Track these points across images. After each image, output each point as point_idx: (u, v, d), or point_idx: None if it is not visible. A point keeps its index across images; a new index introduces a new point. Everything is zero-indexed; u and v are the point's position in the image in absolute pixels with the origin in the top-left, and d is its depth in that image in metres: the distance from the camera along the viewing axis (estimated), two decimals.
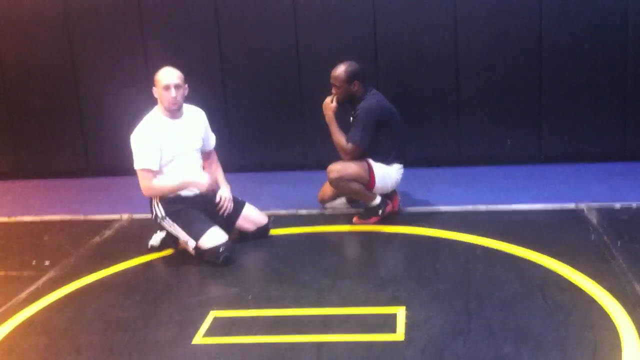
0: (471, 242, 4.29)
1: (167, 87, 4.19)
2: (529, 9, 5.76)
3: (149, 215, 4.41)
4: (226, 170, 4.69)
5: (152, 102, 4.35)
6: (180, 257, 4.34)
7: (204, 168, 4.52)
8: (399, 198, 4.98)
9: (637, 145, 5.91)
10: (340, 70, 4.62)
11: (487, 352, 2.99)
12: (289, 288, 3.78)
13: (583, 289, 3.55)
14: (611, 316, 3.24)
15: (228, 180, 4.60)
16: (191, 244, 4.17)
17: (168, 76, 4.21)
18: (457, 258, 4.09)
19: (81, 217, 5.27)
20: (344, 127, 4.72)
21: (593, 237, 4.26)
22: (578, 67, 5.82)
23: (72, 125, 6.41)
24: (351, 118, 4.72)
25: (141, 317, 3.54)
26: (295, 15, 5.98)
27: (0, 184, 6.44)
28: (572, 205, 4.83)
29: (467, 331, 3.18)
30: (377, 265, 4.24)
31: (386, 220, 4.74)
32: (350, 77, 4.61)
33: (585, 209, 4.75)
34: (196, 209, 4.29)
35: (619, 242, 4.11)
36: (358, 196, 4.78)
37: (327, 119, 4.72)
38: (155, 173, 4.23)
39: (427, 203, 5.12)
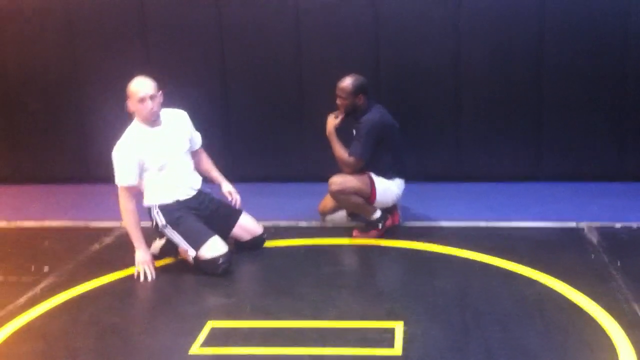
0: (470, 258, 4.29)
1: (142, 100, 4.12)
2: (530, 26, 5.76)
3: (148, 223, 4.41)
4: (227, 180, 4.70)
5: None
6: (179, 267, 4.34)
7: (196, 168, 4.54)
8: (400, 213, 4.99)
9: (637, 165, 5.91)
10: (347, 82, 4.64)
11: None
12: (287, 300, 3.78)
13: (581, 307, 3.54)
14: (609, 335, 3.24)
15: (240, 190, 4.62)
16: (191, 253, 4.17)
17: (142, 88, 4.13)
18: (455, 274, 4.09)
19: (81, 223, 5.27)
20: (346, 139, 4.74)
21: (593, 256, 4.26)
22: (578, 86, 5.82)
23: (72, 131, 6.42)
24: (353, 131, 4.74)
25: (138, 325, 3.54)
26: (298, 29, 6.00)
27: (0, 188, 6.43)
28: (572, 224, 4.83)
29: (464, 348, 3.18)
30: (376, 279, 4.24)
31: (386, 234, 4.74)
32: (356, 90, 4.63)
33: (585, 228, 4.75)
34: (195, 216, 4.30)
35: (618, 262, 4.11)
36: (358, 209, 4.78)
37: (327, 132, 4.74)
38: (134, 188, 4.23)
39: (426, 218, 5.12)
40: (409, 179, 4.94)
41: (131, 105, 4.20)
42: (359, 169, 4.68)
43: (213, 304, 3.78)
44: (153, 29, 6.14)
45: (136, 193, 4.29)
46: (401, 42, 5.94)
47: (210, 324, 3.47)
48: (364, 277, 4.28)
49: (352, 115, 4.72)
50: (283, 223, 5.08)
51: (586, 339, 3.23)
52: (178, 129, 4.39)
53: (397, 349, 3.17)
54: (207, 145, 4.72)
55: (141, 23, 6.13)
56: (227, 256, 4.18)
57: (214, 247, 4.15)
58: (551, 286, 3.81)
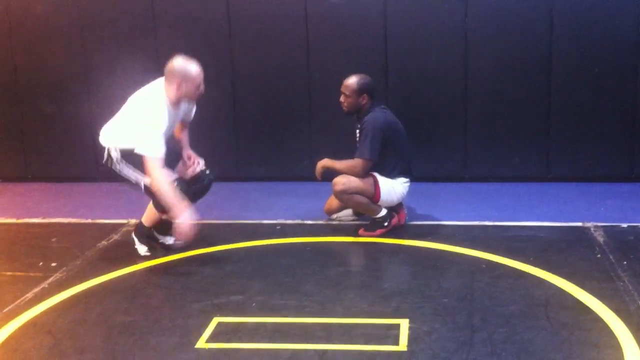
0: (476, 256, 4.29)
1: (199, 86, 4.29)
2: (539, 29, 5.78)
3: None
4: (234, 180, 4.71)
5: None
6: (186, 264, 4.36)
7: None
8: (406, 212, 4.99)
9: None
10: (353, 80, 4.68)
11: None
12: (293, 297, 3.79)
13: (587, 307, 3.54)
14: (615, 335, 3.23)
15: (236, 190, 4.62)
16: (146, 181, 4.22)
17: (201, 75, 4.28)
18: (461, 272, 4.09)
19: (88, 220, 5.30)
20: (350, 140, 4.76)
21: (599, 256, 4.26)
22: (587, 88, 5.83)
23: (82, 130, 6.45)
24: (357, 132, 4.76)
25: (145, 321, 3.55)
26: (307, 32, 6.03)
27: (10, 186, 6.49)
28: (578, 224, 4.83)
29: (469, 345, 3.18)
30: (382, 277, 4.25)
31: (391, 233, 4.75)
32: (361, 89, 4.66)
33: (591, 227, 4.74)
34: None
35: (624, 262, 4.11)
36: (363, 209, 4.79)
37: (321, 166, 4.81)
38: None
39: (432, 218, 5.13)
40: (416, 178, 4.96)
41: (183, 87, 4.23)
42: (369, 170, 4.69)
43: (219, 301, 3.79)
44: (163, 26, 6.18)
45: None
46: (410, 46, 5.97)
47: (217, 320, 3.49)
48: (370, 275, 4.29)
49: (355, 115, 4.74)
50: (289, 221, 5.10)
51: (592, 338, 3.23)
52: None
53: (402, 346, 3.17)
54: (214, 144, 4.75)
55: (152, 22, 6.17)
56: (180, 180, 4.30)
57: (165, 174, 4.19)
58: (558, 285, 3.81)
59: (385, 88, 5.95)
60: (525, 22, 5.80)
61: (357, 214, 5.03)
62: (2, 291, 4.00)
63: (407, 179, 4.83)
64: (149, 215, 4.51)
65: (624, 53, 5.73)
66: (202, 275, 4.17)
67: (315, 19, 6.01)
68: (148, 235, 4.56)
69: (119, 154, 4.31)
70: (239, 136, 6.22)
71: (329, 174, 4.81)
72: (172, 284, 4.09)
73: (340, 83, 4.77)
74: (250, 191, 4.87)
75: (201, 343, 3.27)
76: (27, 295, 3.92)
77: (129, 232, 4.74)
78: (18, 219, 5.44)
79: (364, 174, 4.69)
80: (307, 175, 6.14)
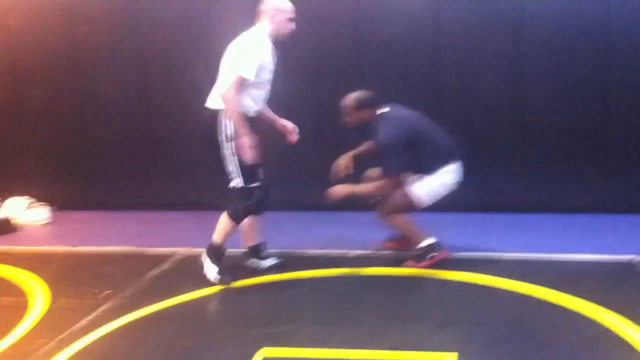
0: (525, 291, 4.23)
1: (292, 19, 4.41)
2: (596, 55, 5.74)
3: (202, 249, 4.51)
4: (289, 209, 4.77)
5: None
6: (236, 293, 4.43)
7: None
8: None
9: None
10: (349, 99, 4.74)
11: None
12: (341, 329, 3.80)
13: (636, 344, 3.46)
14: None
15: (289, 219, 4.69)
16: (237, 182, 4.32)
17: (292, 7, 4.42)
18: (510, 306, 4.05)
19: (139, 249, 5.43)
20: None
21: None
22: None
23: (138, 160, 6.66)
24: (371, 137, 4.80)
25: (194, 350, 3.60)
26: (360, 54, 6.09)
27: (66, 214, 6.68)
28: (629, 257, 4.74)
29: None
30: (430, 310, 4.21)
31: (441, 265, 4.72)
32: (359, 105, 4.71)
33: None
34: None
35: None
36: (407, 233, 4.79)
37: (343, 196, 4.73)
38: (246, 85, 4.28)
39: (481, 249, 5.09)
40: (466, 208, 4.87)
41: (276, 17, 4.38)
42: (399, 181, 4.67)
43: (268, 331, 3.82)
44: None
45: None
46: (462, 68, 5.99)
47: (263, 352, 3.51)
48: (419, 307, 4.25)
49: (364, 127, 4.77)
50: (334, 252, 5.14)
51: None
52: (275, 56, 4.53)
53: None
54: None
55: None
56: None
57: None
58: (608, 321, 3.73)
59: (439, 113, 5.98)
60: (580, 46, 5.78)
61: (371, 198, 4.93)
62: (57, 318, 4.10)
63: (452, 164, 4.72)
64: (220, 230, 4.48)
65: None
66: (253, 304, 4.23)
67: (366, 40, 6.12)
68: (219, 255, 4.51)
69: (232, 130, 4.28)
70: (293, 165, 6.26)
71: (349, 201, 4.77)
72: (223, 313, 4.15)
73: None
74: (296, 221, 4.94)
75: None
76: (81, 322, 4.01)
77: (178, 262, 4.83)
78: (73, 246, 5.59)
79: (395, 186, 4.67)
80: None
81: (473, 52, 5.95)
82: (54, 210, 6.59)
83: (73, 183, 6.86)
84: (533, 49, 5.85)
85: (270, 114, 4.76)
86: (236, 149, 4.29)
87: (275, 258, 4.83)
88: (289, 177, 6.27)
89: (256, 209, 4.51)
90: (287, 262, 4.90)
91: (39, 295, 4.47)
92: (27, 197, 6.64)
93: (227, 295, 4.40)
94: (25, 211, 6.49)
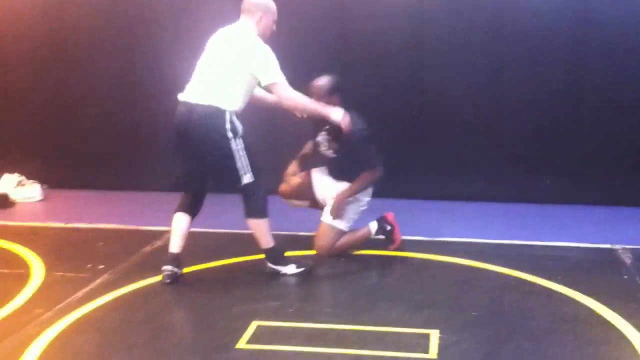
0: (506, 274, 4.42)
1: (275, 21, 4.34)
2: (573, 55, 5.94)
3: (196, 230, 4.62)
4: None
5: None
6: (226, 270, 4.58)
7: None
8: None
9: None
10: (324, 80, 4.58)
11: None
12: (328, 305, 3.97)
13: (613, 325, 3.65)
14: (638, 352, 3.35)
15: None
16: (249, 177, 4.19)
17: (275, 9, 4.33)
18: (491, 288, 4.23)
19: (133, 227, 5.55)
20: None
21: (626, 277, 4.37)
22: (618, 116, 5.95)
23: (128, 141, 6.77)
24: (323, 135, 4.73)
25: (188, 322, 3.76)
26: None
27: (58, 192, 6.79)
28: (607, 246, 4.94)
29: (497, 357, 3.32)
30: (413, 290, 4.37)
31: (424, 248, 4.91)
32: (333, 89, 4.57)
33: (620, 249, 4.85)
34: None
35: None
36: (358, 243, 4.86)
37: (344, 201, 4.66)
38: (254, 85, 4.25)
39: (463, 234, 5.28)
40: (450, 198, 5.03)
41: (263, 20, 4.26)
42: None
43: (258, 305, 3.97)
44: None
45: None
46: (445, 69, 6.16)
47: (256, 323, 3.68)
48: (402, 287, 4.42)
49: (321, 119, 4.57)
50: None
51: (616, 354, 3.35)
52: None
53: (432, 354, 3.33)
54: None
55: None
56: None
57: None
58: (585, 304, 3.93)
59: (420, 109, 6.15)
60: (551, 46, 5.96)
61: (313, 204, 5.00)
62: (53, 290, 4.24)
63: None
64: (260, 236, 4.37)
65: None
66: (244, 281, 4.37)
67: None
68: (281, 254, 4.45)
69: (242, 129, 4.18)
70: None
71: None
72: (214, 289, 4.27)
73: None
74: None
75: (241, 344, 3.46)
76: (77, 294, 4.14)
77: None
78: (66, 222, 5.71)
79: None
80: None
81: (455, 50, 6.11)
82: (44, 189, 6.67)
83: (62, 162, 6.93)
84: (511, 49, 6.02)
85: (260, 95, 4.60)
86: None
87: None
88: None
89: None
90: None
91: (36, 268, 4.60)
92: (17, 174, 6.71)
93: (216, 273, 4.54)
94: (15, 188, 6.56)
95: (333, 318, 3.77)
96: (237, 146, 4.15)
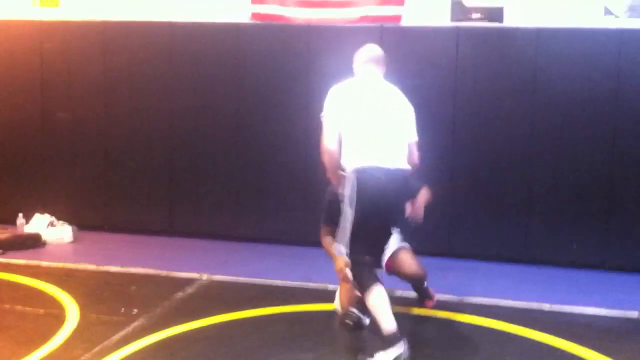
0: (537, 339, 4.43)
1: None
2: (604, 117, 6.04)
3: (226, 278, 4.70)
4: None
5: None
6: (261, 319, 4.62)
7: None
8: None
9: None
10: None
11: None
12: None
13: None
14: None
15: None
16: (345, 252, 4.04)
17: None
18: (522, 354, 4.24)
19: (164, 272, 5.64)
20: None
21: None
22: None
23: (162, 186, 6.90)
24: None
25: None
26: None
27: (89, 234, 6.89)
28: (635, 314, 4.97)
29: None
30: (441, 351, 4.38)
31: (451, 308, 4.94)
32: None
33: None
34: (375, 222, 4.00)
35: None
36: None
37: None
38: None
39: (493, 296, 5.28)
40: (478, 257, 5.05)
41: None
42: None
43: (292, 357, 4.01)
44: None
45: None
46: (476, 126, 6.28)
47: None
48: (429, 347, 4.42)
49: None
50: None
51: None
52: None
53: None
54: None
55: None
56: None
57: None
58: None
59: (452, 169, 6.26)
60: (588, 102, 6.06)
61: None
62: (90, 331, 4.31)
63: None
64: (343, 298, 4.42)
65: None
66: (283, 331, 4.41)
67: None
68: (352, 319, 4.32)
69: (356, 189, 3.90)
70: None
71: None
72: (249, 338, 4.30)
73: None
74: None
75: None
76: (114, 337, 4.21)
77: (202, 287, 5.02)
78: (98, 265, 5.80)
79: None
80: None
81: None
82: (74, 230, 6.78)
83: (93, 205, 7.08)
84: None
85: None
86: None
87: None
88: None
89: None
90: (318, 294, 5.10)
91: (71, 309, 4.67)
92: (47, 215, 6.84)
93: (251, 322, 4.58)
94: (47, 229, 6.68)
95: None
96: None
